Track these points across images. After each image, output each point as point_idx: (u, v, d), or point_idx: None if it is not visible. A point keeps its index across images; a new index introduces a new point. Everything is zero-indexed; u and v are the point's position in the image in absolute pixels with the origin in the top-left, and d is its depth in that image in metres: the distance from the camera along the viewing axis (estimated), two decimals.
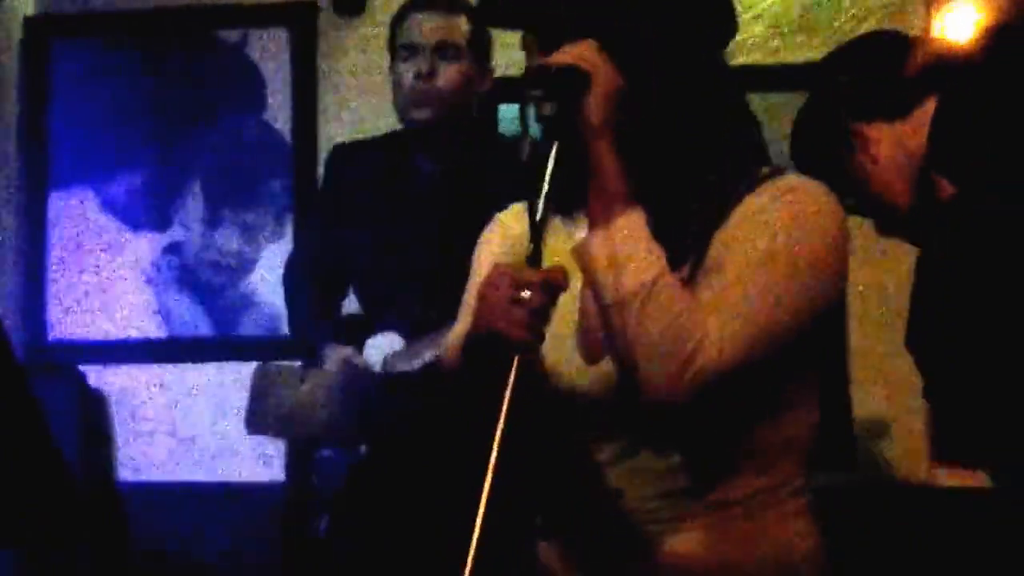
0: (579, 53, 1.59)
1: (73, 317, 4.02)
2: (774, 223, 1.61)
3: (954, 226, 2.05)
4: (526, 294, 1.49)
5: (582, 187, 1.61)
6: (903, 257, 3.56)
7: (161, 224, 4.01)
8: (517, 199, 1.87)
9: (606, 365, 1.64)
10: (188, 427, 3.90)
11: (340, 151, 3.21)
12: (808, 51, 3.75)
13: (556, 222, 1.76)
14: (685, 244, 1.64)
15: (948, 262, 2.04)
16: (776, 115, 3.61)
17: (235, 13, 4.03)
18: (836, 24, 3.75)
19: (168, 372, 3.91)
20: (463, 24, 2.99)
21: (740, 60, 3.74)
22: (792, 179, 1.67)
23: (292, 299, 3.21)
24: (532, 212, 1.51)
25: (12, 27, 4.06)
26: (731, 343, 1.54)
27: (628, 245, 1.57)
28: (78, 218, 4.04)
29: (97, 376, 3.93)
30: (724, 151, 1.69)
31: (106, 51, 4.08)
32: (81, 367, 3.90)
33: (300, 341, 3.21)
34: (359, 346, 3.03)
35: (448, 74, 2.93)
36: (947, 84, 2.14)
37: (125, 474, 3.93)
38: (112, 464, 3.93)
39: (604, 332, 1.60)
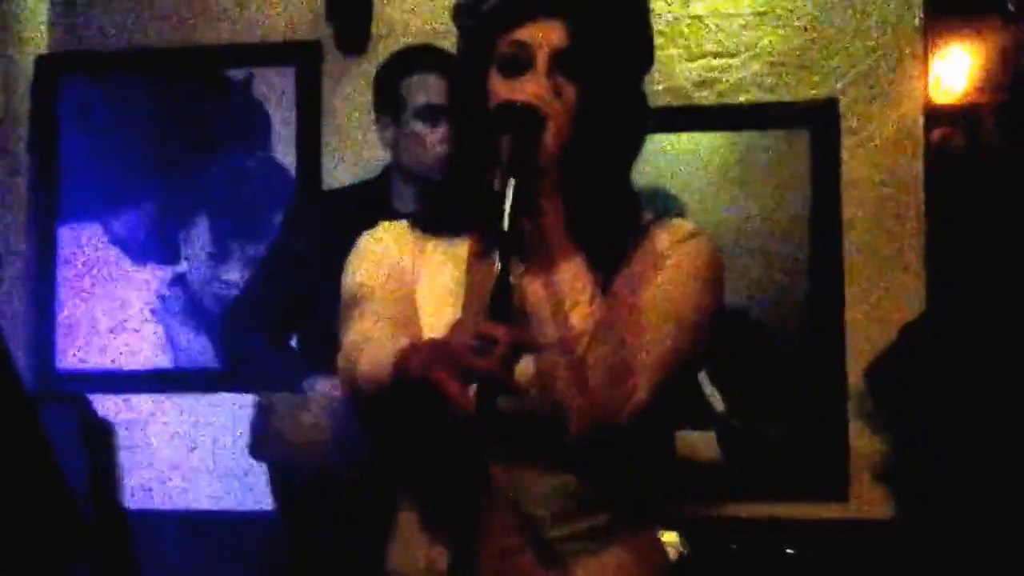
0: (539, 93, 1.67)
1: (81, 347, 4.05)
2: (681, 267, 1.74)
3: None
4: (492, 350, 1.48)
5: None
6: (895, 302, 3.62)
7: (168, 257, 4.04)
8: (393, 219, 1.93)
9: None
10: (194, 456, 3.93)
11: (319, 198, 3.46)
12: (806, 89, 3.78)
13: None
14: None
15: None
16: (774, 152, 3.70)
17: (242, 52, 4.07)
18: (833, 64, 3.76)
19: (174, 401, 3.93)
20: None
21: (740, 98, 3.81)
22: (685, 224, 1.82)
23: (241, 338, 3.31)
24: (502, 259, 1.54)
25: (24, 66, 4.11)
26: (658, 376, 1.66)
27: (576, 286, 1.67)
28: (86, 251, 4.08)
29: (104, 405, 3.95)
30: (631, 189, 1.81)
31: (115, 89, 4.13)
32: (88, 396, 3.92)
33: (249, 376, 3.30)
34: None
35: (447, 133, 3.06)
36: None
37: (131, 502, 3.94)
38: (118, 492, 3.94)
39: (536, 366, 1.64)
